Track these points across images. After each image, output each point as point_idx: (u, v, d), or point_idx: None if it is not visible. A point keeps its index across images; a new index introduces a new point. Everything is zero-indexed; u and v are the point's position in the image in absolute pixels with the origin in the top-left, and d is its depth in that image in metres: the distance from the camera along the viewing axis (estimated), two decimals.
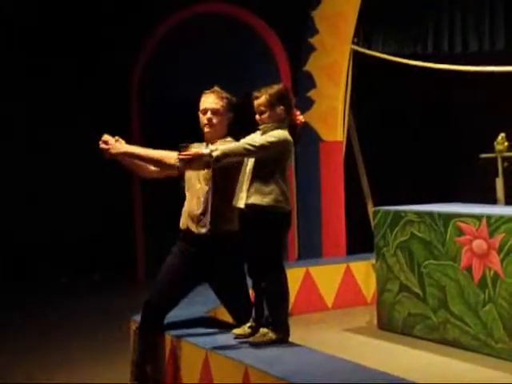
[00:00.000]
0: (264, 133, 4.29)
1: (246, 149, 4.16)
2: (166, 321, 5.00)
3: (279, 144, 4.22)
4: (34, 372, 5.53)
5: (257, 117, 4.31)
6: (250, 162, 4.28)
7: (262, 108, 4.27)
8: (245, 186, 4.25)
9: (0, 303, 7.93)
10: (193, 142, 4.51)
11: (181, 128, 8.66)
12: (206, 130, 4.50)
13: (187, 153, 4.12)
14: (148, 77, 9.21)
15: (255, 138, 4.25)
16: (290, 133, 4.30)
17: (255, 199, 4.21)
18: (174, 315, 5.17)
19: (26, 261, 9.11)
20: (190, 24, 8.96)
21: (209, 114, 4.47)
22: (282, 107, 4.27)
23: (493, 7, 7.86)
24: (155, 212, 9.46)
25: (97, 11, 9.15)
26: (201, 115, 4.53)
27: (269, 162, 4.22)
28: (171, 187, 10.34)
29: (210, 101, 4.49)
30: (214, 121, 4.48)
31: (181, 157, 4.13)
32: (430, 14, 8.10)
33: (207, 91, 4.53)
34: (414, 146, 9.17)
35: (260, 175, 4.22)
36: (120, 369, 5.40)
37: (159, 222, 9.53)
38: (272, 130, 4.27)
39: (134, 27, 8.97)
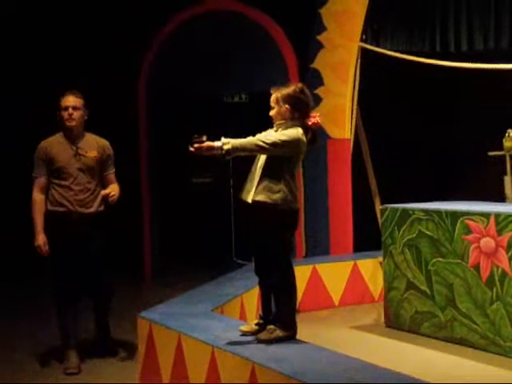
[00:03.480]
0: (277, 130, 4.33)
1: (257, 145, 4.20)
2: (172, 317, 5.02)
3: (291, 143, 4.24)
4: (39, 369, 5.54)
5: (270, 112, 4.40)
6: (261, 159, 4.31)
7: (272, 104, 4.40)
8: (254, 182, 4.27)
9: (8, 300, 7.95)
10: (205, 134, 4.51)
11: (188, 125, 8.73)
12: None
13: (199, 145, 4.16)
14: (155, 74, 9.21)
15: (268, 135, 4.28)
16: (304, 133, 4.33)
17: (263, 197, 4.23)
18: (180, 312, 5.19)
19: (30, 259, 9.10)
20: (197, 21, 8.96)
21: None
22: (286, 106, 4.33)
23: (498, 6, 7.86)
24: (163, 212, 9.47)
25: (104, 6, 9.15)
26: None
27: (280, 160, 4.25)
28: (179, 187, 10.34)
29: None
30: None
31: (193, 148, 4.16)
32: (438, 13, 8.10)
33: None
34: (422, 144, 9.15)
35: (270, 173, 4.25)
36: (128, 366, 5.43)
37: (167, 222, 9.55)
38: (285, 127, 4.31)
39: (142, 24, 8.96)
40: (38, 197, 5.42)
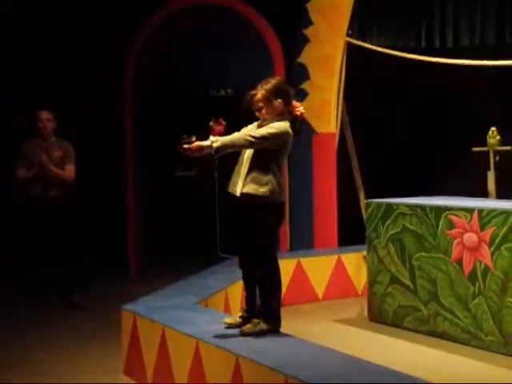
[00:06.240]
0: (262, 124, 4.33)
1: (246, 140, 4.21)
2: (156, 310, 5.02)
3: (279, 136, 4.26)
4: (25, 362, 5.53)
5: (257, 113, 4.35)
6: (248, 151, 4.31)
7: (260, 104, 4.32)
8: (242, 175, 4.29)
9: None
10: (193, 134, 4.52)
11: (174, 121, 8.71)
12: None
13: (188, 146, 4.16)
14: (140, 69, 9.14)
15: (257, 130, 4.29)
16: (291, 124, 4.34)
17: (251, 189, 4.24)
18: (164, 305, 5.19)
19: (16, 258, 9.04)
20: (183, 14, 8.92)
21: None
22: (279, 100, 4.32)
23: (485, 3, 7.90)
24: (148, 206, 9.43)
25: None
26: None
27: (267, 153, 4.26)
28: (164, 184, 10.29)
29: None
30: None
31: (182, 149, 4.17)
32: (424, 9, 8.14)
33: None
34: (406, 139, 9.19)
35: (258, 165, 4.26)
36: (110, 357, 5.44)
37: (152, 216, 9.52)
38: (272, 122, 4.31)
39: (128, 16, 8.90)
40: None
